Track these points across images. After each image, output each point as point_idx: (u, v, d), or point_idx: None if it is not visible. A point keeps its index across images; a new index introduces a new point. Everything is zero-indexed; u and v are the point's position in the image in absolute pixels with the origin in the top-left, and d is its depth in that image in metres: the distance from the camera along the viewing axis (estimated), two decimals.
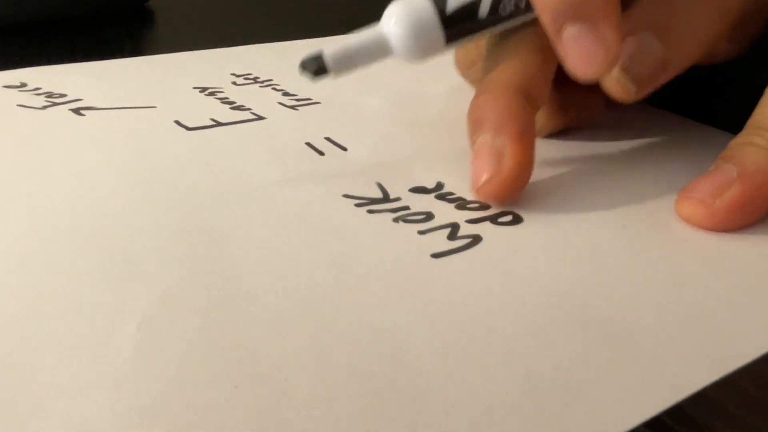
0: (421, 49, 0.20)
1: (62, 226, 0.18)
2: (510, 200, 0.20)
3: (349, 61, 0.20)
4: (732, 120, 0.22)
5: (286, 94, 0.29)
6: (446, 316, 0.15)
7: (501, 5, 0.20)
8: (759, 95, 0.21)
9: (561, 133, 0.25)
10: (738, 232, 0.19)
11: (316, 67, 0.20)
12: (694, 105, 0.28)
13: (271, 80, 0.31)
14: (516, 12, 0.20)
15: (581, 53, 0.18)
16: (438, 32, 0.20)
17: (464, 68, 0.27)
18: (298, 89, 0.30)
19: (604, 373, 0.14)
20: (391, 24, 0.20)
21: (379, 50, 0.20)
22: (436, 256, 0.18)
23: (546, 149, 0.24)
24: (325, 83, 0.29)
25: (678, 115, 0.28)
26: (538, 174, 0.22)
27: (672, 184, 0.21)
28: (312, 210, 0.20)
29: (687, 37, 0.20)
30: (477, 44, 0.24)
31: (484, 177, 0.19)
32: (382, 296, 0.16)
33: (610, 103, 0.23)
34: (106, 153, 0.23)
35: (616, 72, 0.20)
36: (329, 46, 0.20)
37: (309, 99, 0.29)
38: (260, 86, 0.30)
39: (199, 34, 0.37)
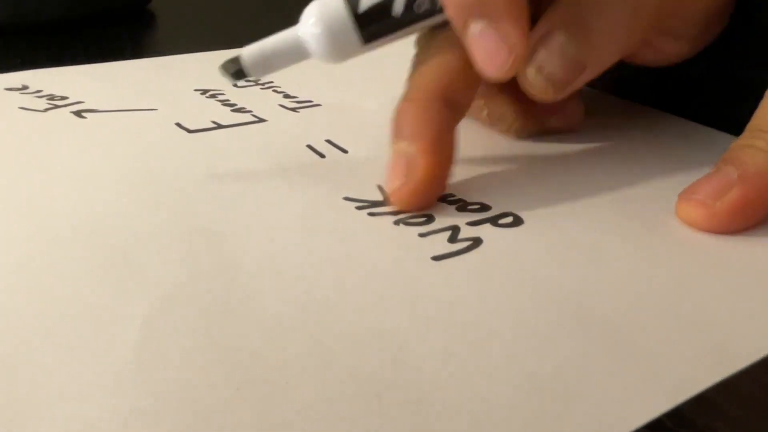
0: (337, 50, 0.20)
1: (63, 228, 0.18)
2: (420, 208, 0.20)
3: (267, 64, 0.21)
4: (733, 122, 0.22)
5: (287, 96, 0.29)
6: (447, 318, 0.15)
7: (416, 3, 0.20)
8: (759, 97, 0.21)
9: (560, 135, 0.25)
10: (738, 234, 0.19)
11: (235, 70, 0.21)
12: (694, 107, 0.28)
13: (271, 82, 0.31)
14: (433, 10, 0.20)
15: (485, 51, 0.19)
16: (352, 32, 0.20)
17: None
18: (299, 91, 0.30)
19: (605, 375, 0.14)
20: (307, 25, 0.20)
21: (297, 52, 0.20)
22: (436, 258, 0.18)
23: (547, 151, 0.24)
24: (327, 86, 0.29)
25: (678, 117, 0.28)
26: (538, 176, 0.23)
27: (673, 186, 0.21)
28: (313, 212, 0.20)
29: (603, 36, 0.20)
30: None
31: (395, 185, 0.20)
32: (382, 298, 0.16)
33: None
34: (108, 155, 0.23)
35: (531, 72, 0.20)
36: (248, 48, 0.21)
37: (310, 101, 0.29)
38: (261, 88, 0.30)
39: (200, 36, 0.37)
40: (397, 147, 0.20)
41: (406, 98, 0.21)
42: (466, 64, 0.20)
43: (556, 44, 0.20)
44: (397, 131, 0.20)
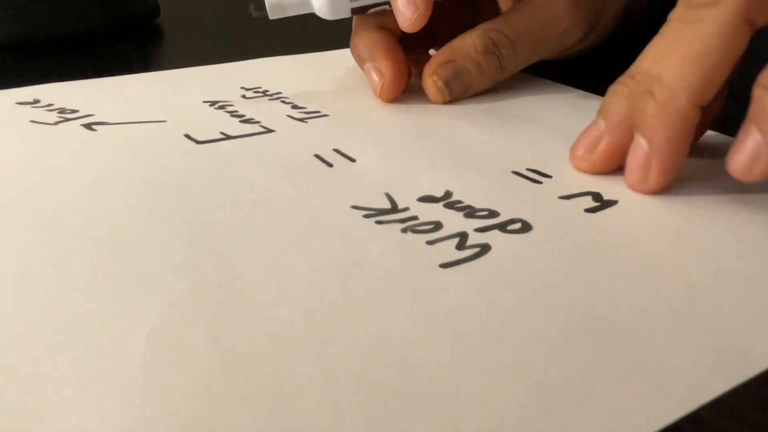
0: (332, 9, 0.28)
1: (73, 238, 0.18)
2: (397, 97, 0.29)
3: (282, 10, 0.28)
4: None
5: (295, 107, 0.29)
6: (455, 326, 0.15)
7: None
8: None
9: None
10: (753, 236, 0.19)
11: (259, 8, 0.28)
12: None
13: (280, 93, 0.31)
14: None
15: (400, 10, 0.27)
16: (347, 4, 0.28)
17: None
18: (306, 102, 0.30)
19: (617, 381, 0.14)
20: None
21: (303, 5, 0.28)
22: (444, 266, 0.18)
23: (554, 155, 0.24)
24: (334, 97, 0.30)
25: None
26: (546, 182, 0.22)
27: (680, 189, 0.21)
28: (320, 221, 0.20)
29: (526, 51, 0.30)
30: None
31: (378, 85, 0.29)
32: (390, 306, 0.16)
33: None
34: (117, 167, 0.23)
35: (435, 82, 0.29)
36: None
37: (318, 111, 0.29)
38: (269, 99, 0.30)
39: (207, 49, 0.37)
40: (366, 66, 0.29)
41: (354, 32, 0.30)
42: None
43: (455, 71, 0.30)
44: (359, 57, 0.30)
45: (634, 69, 0.22)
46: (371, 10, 0.29)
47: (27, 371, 0.14)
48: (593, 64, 0.33)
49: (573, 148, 0.23)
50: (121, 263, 0.17)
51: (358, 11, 0.29)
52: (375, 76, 0.29)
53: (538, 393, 0.13)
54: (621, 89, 0.22)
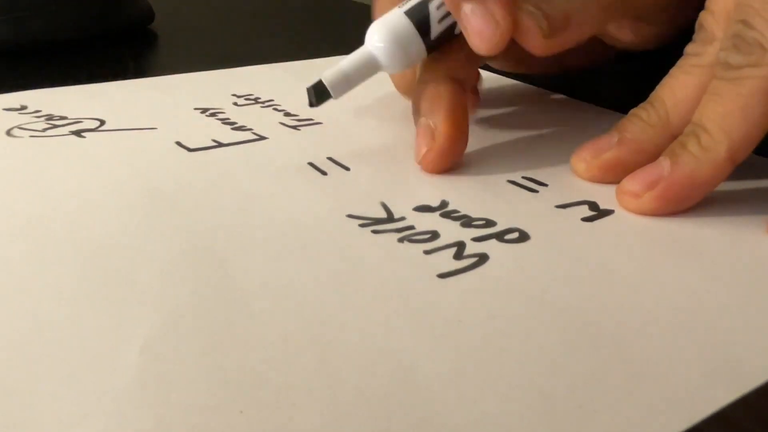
0: (406, 59, 0.23)
1: (63, 249, 0.18)
2: (444, 169, 0.23)
3: (347, 83, 0.23)
4: None
5: (287, 114, 0.29)
6: (455, 337, 0.15)
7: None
8: None
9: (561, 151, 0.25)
10: (754, 247, 0.19)
11: (319, 93, 0.23)
12: None
13: (272, 100, 0.31)
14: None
15: (475, 27, 0.22)
16: (419, 42, 0.23)
17: (405, 91, 0.29)
18: (299, 109, 0.30)
19: (619, 393, 0.14)
20: (375, 41, 0.23)
21: (370, 67, 0.23)
22: (442, 276, 0.17)
23: (549, 166, 0.24)
24: (328, 104, 0.29)
25: None
26: (542, 190, 0.22)
27: None
28: (316, 231, 0.19)
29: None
30: (412, 68, 0.25)
31: (423, 151, 0.23)
32: (388, 318, 0.16)
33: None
34: (107, 175, 0.23)
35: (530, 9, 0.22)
36: (326, 72, 0.23)
37: (311, 119, 0.28)
38: (262, 107, 0.30)
39: (201, 55, 0.37)
40: (419, 122, 0.23)
41: (419, 81, 0.24)
42: (466, 45, 0.23)
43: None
44: (417, 109, 0.24)
45: (654, 98, 0.23)
46: (436, 33, 0.23)
47: (19, 384, 0.13)
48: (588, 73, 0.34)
49: (578, 150, 0.23)
50: (112, 273, 0.17)
51: (431, 44, 0.23)
52: (422, 138, 0.23)
53: (540, 405, 0.13)
54: (642, 113, 0.22)
